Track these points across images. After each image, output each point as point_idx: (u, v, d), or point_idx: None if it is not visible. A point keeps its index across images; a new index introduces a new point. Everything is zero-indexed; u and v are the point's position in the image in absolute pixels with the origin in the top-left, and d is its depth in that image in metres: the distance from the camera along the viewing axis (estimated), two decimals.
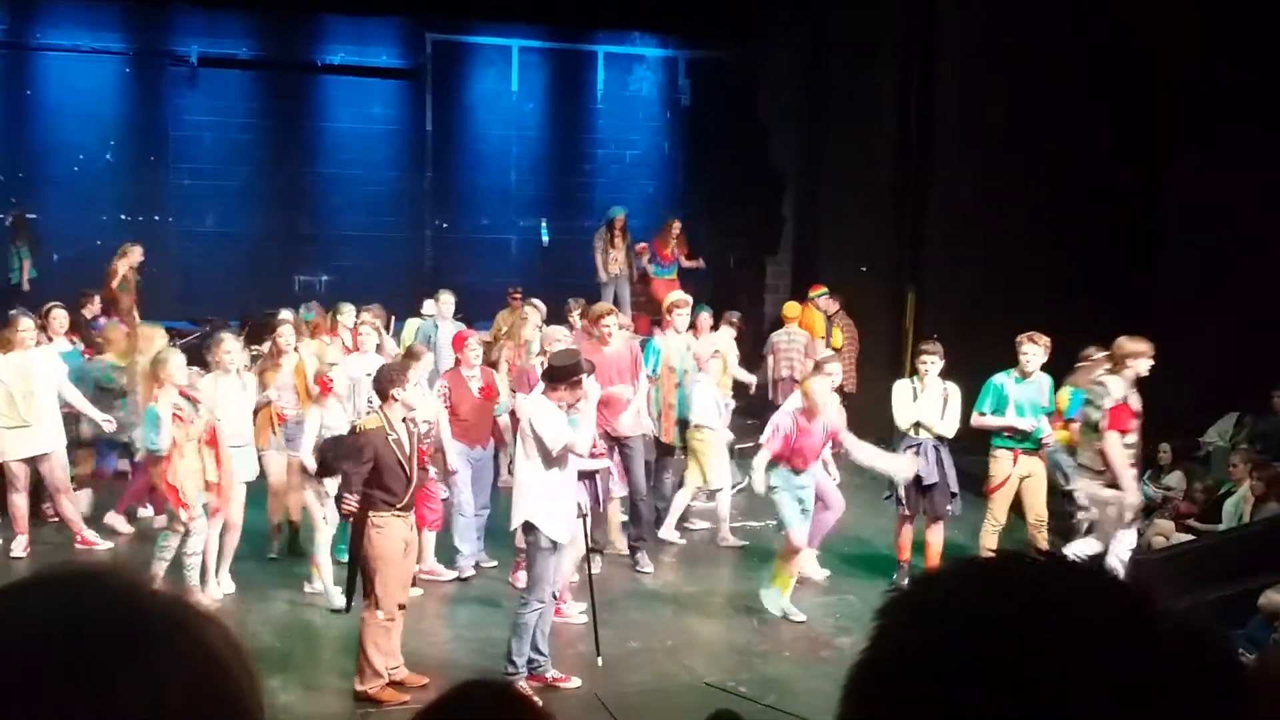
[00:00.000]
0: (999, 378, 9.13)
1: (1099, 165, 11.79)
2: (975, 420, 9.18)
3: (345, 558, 8.84)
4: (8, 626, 0.80)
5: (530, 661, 7.12)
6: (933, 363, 9.13)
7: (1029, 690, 0.75)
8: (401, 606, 6.98)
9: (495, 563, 9.19)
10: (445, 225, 17.57)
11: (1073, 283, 11.82)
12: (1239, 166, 11.27)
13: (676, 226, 15.50)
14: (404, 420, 6.95)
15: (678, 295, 11.08)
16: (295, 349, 9.24)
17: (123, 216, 16.35)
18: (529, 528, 7.00)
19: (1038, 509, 9.17)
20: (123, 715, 0.76)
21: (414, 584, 7.29)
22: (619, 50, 17.91)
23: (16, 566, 9.03)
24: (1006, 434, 9.09)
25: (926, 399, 9.10)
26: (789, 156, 16.82)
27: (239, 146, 16.65)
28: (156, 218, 16.58)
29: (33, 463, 9.28)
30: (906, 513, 9.14)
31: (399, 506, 6.79)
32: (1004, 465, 9.13)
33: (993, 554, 0.89)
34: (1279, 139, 10.87)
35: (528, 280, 15.84)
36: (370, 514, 6.81)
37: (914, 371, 9.58)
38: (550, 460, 6.94)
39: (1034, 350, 9.05)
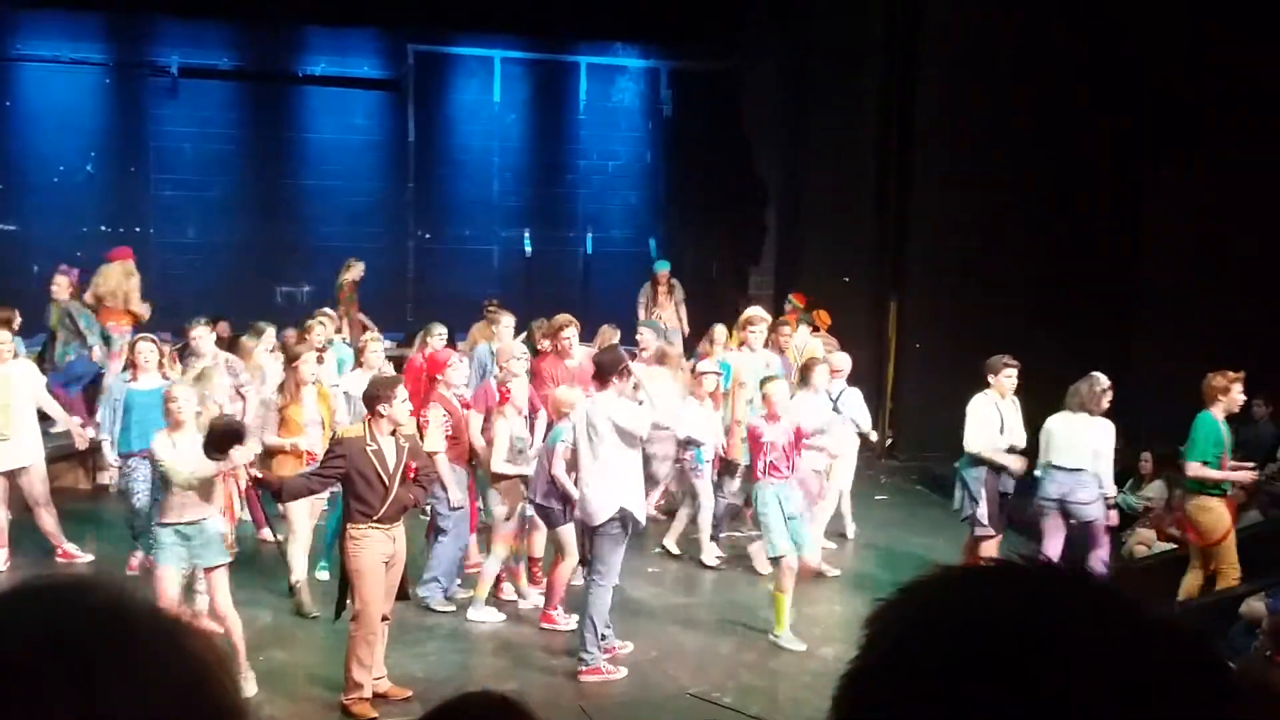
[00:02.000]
0: (1216, 414, 8.47)
1: (1081, 174, 11.88)
2: (1198, 471, 8.42)
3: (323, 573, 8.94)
4: None
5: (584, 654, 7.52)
6: (1015, 377, 8.80)
7: (1027, 691, 0.75)
8: (385, 618, 6.94)
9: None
10: (428, 236, 17.56)
11: (1054, 292, 11.89)
12: (1218, 175, 11.35)
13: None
14: (392, 434, 6.89)
15: (754, 311, 10.73)
16: (315, 380, 8.82)
17: (103, 228, 16.28)
18: (614, 517, 7.41)
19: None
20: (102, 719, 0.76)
21: (401, 596, 7.22)
22: (601, 61, 17.94)
23: None
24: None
25: (1010, 415, 8.79)
26: (771, 166, 16.88)
27: (220, 157, 16.61)
28: (137, 229, 16.50)
29: (12, 476, 9.20)
30: (991, 533, 8.68)
31: (375, 519, 6.75)
32: (1221, 515, 8.44)
33: (982, 561, 0.89)
34: (1259, 148, 10.96)
35: (509, 291, 15.84)
36: (348, 525, 6.79)
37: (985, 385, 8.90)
38: (634, 445, 7.51)
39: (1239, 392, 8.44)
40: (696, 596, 9.24)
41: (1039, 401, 10.59)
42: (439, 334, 10.83)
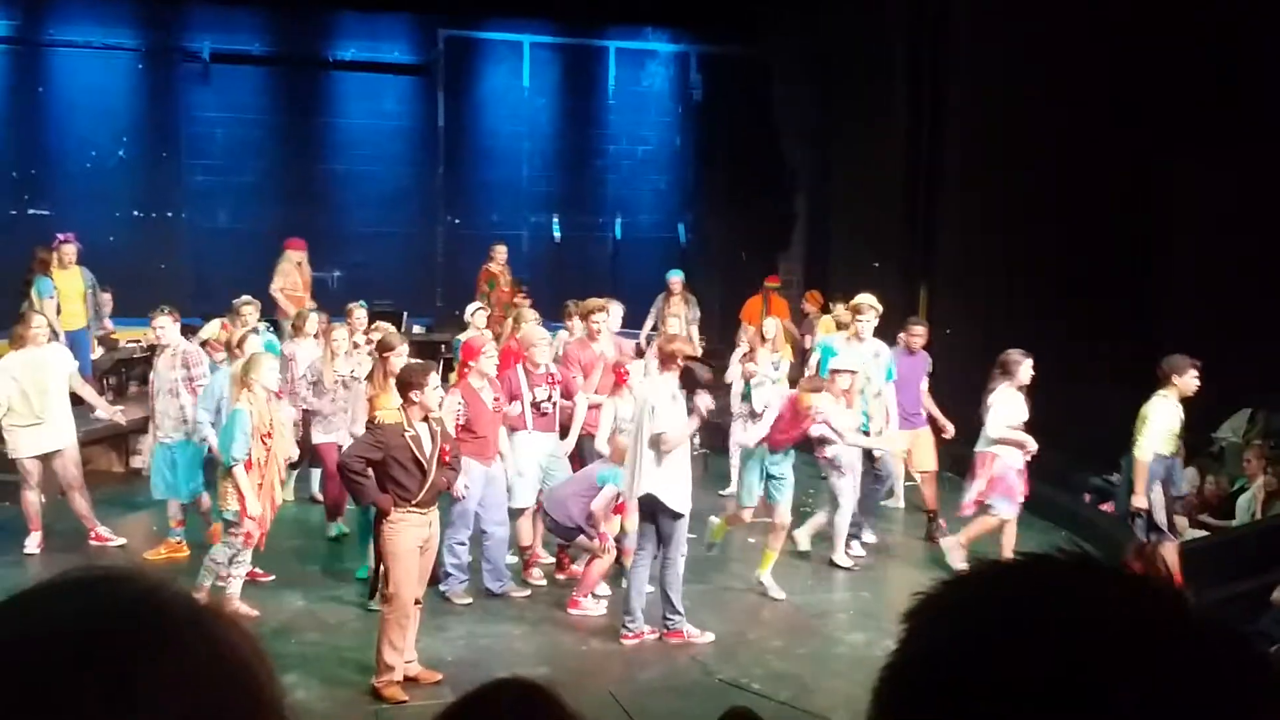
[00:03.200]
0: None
1: (1109, 162, 11.76)
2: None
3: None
4: (27, 626, 0.80)
5: (666, 619, 7.81)
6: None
7: (1071, 689, 0.75)
8: (417, 602, 6.99)
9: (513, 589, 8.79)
10: (457, 221, 17.60)
11: (1083, 279, 11.79)
12: (1245, 167, 11.21)
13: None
14: (426, 419, 6.94)
15: (863, 299, 10.26)
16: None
17: (135, 213, 16.42)
18: (648, 500, 7.65)
19: None
20: (140, 713, 0.76)
21: (433, 580, 7.28)
22: (631, 46, 17.91)
23: (30, 563, 9.07)
24: None
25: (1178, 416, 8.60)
26: (801, 152, 16.82)
27: (251, 142, 16.69)
28: (169, 214, 16.64)
29: (46, 460, 9.31)
30: (1171, 539, 8.58)
31: (414, 503, 6.80)
32: None
33: (1021, 555, 0.88)
34: None
35: (538, 276, 15.88)
36: None
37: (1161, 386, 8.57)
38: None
39: None
40: (721, 581, 9.21)
41: (1066, 387, 10.54)
42: (532, 319, 10.34)
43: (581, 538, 8.31)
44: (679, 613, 7.85)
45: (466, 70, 17.43)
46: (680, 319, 13.41)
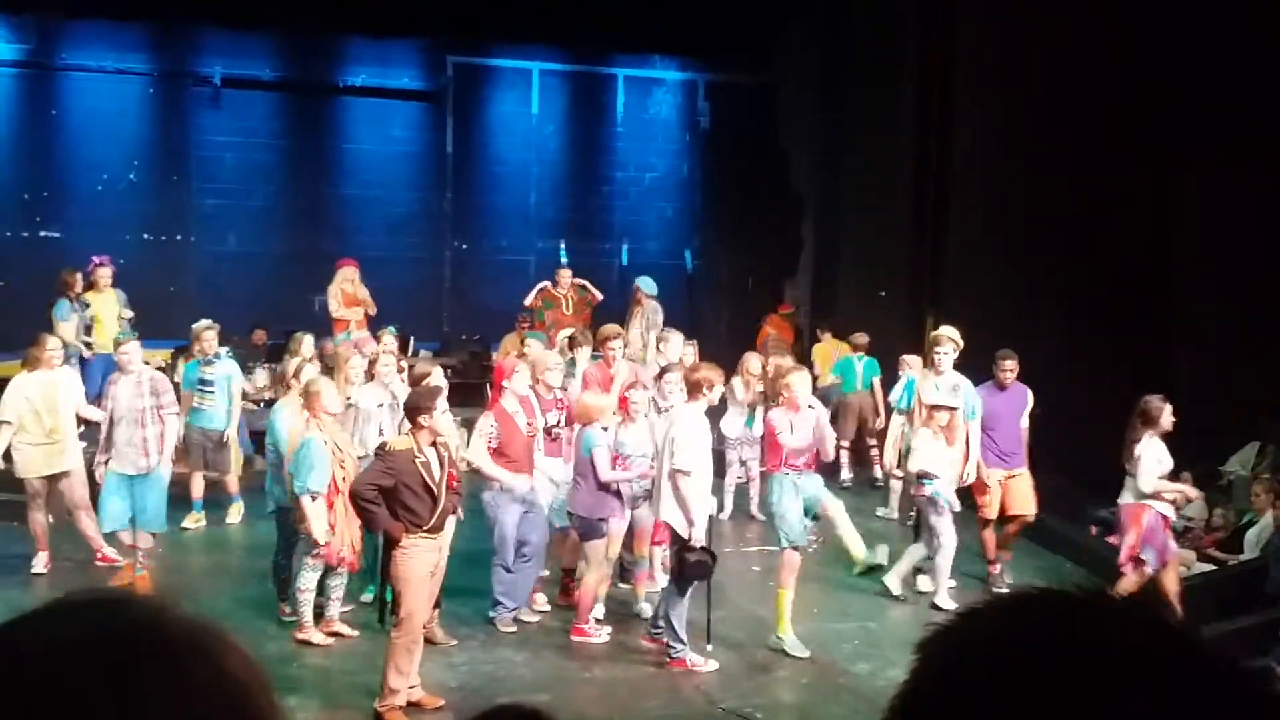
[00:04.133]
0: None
1: (1119, 185, 11.76)
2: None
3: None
4: (32, 643, 0.81)
5: (670, 647, 7.86)
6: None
7: (1079, 714, 0.76)
8: (425, 628, 6.98)
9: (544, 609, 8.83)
10: (465, 246, 17.66)
11: (1093, 307, 11.78)
12: (1257, 183, 11.20)
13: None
14: (434, 444, 6.94)
15: (943, 330, 9.88)
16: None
17: (145, 236, 16.50)
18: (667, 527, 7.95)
19: None
20: None
21: (436, 604, 7.28)
22: (638, 73, 17.99)
23: (37, 582, 9.07)
24: None
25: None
26: (808, 180, 16.86)
27: (261, 167, 16.78)
28: (179, 237, 16.73)
29: (52, 480, 9.32)
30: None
31: (425, 529, 6.79)
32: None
33: (1036, 590, 0.89)
34: None
35: None
36: None
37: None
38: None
39: None
40: (723, 610, 9.18)
41: (1077, 418, 10.50)
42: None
43: (593, 543, 8.26)
44: (682, 641, 7.82)
45: (475, 97, 17.52)
46: (639, 330, 12.69)
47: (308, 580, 7.90)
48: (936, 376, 9.54)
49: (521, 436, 8.37)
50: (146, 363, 9.85)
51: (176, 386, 10.16)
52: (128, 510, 9.00)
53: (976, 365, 9.76)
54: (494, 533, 8.36)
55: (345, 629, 8.09)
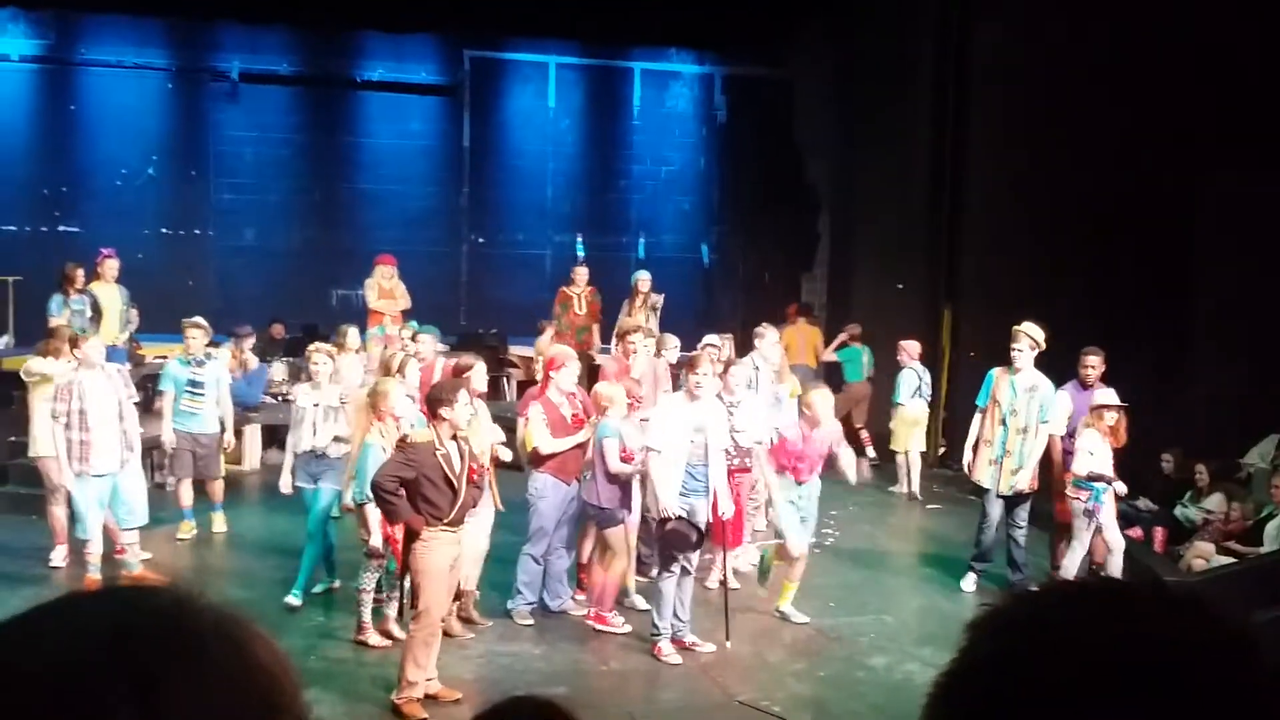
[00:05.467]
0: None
1: (1136, 182, 11.69)
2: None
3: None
4: (57, 631, 0.82)
5: (671, 625, 7.88)
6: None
7: (1126, 709, 0.76)
8: (444, 621, 6.99)
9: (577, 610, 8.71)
10: (481, 240, 17.69)
11: (1110, 301, 11.73)
12: (1275, 183, 11.13)
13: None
14: (454, 438, 6.93)
15: (1024, 326, 9.28)
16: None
17: (164, 230, 16.57)
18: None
19: None
20: (164, 718, 0.78)
21: (458, 597, 7.32)
22: (655, 67, 17.98)
23: (55, 575, 9.13)
24: None
25: None
26: (824, 173, 16.82)
27: (279, 162, 16.84)
28: (197, 232, 16.79)
29: None
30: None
31: (445, 522, 6.79)
32: None
33: (1094, 579, 0.90)
34: None
35: None
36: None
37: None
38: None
39: None
40: (746, 602, 9.18)
41: None
42: (672, 345, 10.34)
43: (612, 531, 8.26)
44: (658, 630, 7.90)
45: (492, 91, 17.53)
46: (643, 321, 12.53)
47: (365, 581, 7.88)
48: (1014, 375, 9.16)
49: (566, 428, 8.38)
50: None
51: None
52: (104, 506, 8.78)
53: (996, 361, 9.71)
54: (531, 521, 8.41)
55: (398, 630, 7.86)
